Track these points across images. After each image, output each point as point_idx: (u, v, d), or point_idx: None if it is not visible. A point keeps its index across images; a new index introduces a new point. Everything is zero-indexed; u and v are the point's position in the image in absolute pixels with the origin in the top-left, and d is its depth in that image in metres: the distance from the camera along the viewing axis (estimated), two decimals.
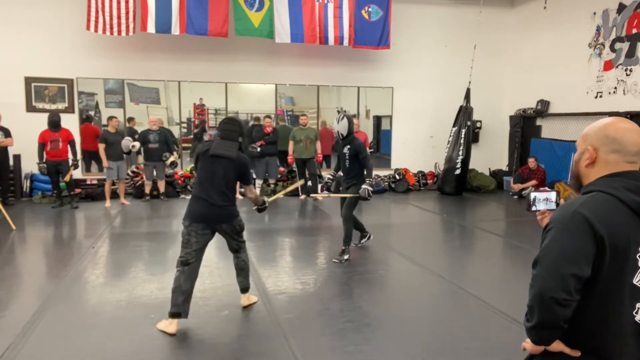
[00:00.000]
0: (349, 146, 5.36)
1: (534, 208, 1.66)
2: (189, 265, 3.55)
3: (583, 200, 1.40)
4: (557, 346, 1.42)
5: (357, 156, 5.33)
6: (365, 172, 5.30)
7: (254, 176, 9.71)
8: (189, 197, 9.30)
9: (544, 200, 1.65)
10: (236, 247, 3.89)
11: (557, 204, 1.64)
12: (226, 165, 3.63)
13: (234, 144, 3.68)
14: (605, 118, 1.53)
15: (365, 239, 5.95)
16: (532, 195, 1.66)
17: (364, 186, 5.19)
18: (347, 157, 5.40)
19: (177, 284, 3.51)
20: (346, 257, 5.33)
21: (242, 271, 3.95)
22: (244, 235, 3.93)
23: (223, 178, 3.63)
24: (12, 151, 8.58)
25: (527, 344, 1.46)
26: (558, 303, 1.31)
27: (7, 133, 8.15)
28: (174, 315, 3.48)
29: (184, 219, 3.65)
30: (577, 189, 1.54)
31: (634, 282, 1.37)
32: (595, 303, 1.37)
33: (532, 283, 1.38)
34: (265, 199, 4.15)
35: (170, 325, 3.49)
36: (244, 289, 4.00)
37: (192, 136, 10.97)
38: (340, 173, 5.75)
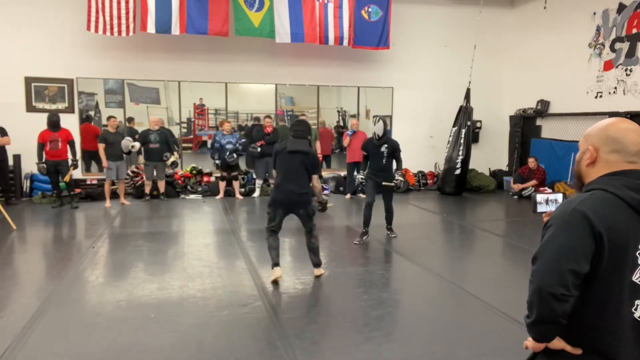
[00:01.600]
0: (386, 145, 6.11)
1: (540, 209, 1.66)
2: (276, 232, 4.63)
3: (583, 198, 1.41)
4: (558, 344, 1.42)
5: (394, 153, 6.12)
6: (396, 167, 6.22)
7: (254, 176, 9.73)
8: (189, 197, 9.36)
9: (550, 202, 1.65)
10: (309, 228, 4.66)
11: None
12: (302, 158, 4.48)
13: (305, 141, 4.58)
14: (608, 118, 1.53)
15: (366, 237, 6.14)
16: (538, 197, 1.66)
17: (398, 178, 6.14)
18: (384, 155, 6.11)
19: (269, 244, 4.60)
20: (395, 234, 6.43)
21: (312, 250, 4.72)
22: (314, 219, 4.68)
23: (299, 169, 4.48)
24: (12, 151, 8.58)
25: (529, 342, 1.48)
26: (556, 298, 1.32)
27: (3, 132, 8.15)
28: (276, 264, 4.54)
29: (269, 205, 4.60)
30: (579, 188, 1.55)
31: (634, 279, 1.37)
32: (595, 300, 1.38)
33: (532, 278, 1.40)
34: (324, 197, 4.95)
35: (275, 272, 4.52)
36: (315, 264, 4.75)
37: (192, 136, 11.03)
38: (358, 175, 6.48)
